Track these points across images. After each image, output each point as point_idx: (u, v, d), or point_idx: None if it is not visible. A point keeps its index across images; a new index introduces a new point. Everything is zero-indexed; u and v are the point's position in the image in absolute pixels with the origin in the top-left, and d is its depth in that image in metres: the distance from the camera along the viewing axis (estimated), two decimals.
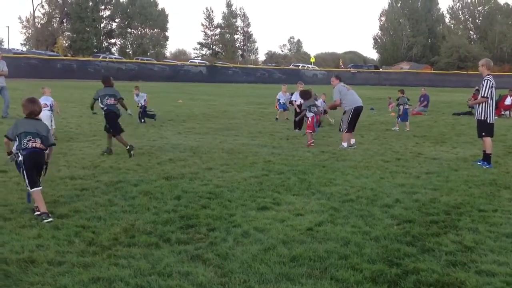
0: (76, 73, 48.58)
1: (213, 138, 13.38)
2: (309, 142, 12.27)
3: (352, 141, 12.26)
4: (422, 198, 7.36)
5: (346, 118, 12.13)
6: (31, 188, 6.19)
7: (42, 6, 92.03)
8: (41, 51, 66.85)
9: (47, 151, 6.47)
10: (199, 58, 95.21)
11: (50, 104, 12.16)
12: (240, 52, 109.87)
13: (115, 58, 64.46)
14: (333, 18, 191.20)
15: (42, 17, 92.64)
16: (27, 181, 6.20)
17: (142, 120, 16.63)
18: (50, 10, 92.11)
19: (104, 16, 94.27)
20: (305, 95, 13.35)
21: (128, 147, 10.27)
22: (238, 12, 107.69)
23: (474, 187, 8.13)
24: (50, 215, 6.04)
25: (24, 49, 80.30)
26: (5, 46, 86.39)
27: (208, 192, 7.46)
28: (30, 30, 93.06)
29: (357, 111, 12.22)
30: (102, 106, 10.49)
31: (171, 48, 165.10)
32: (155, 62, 65.81)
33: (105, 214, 6.23)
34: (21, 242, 5.19)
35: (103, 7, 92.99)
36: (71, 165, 9.20)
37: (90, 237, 5.42)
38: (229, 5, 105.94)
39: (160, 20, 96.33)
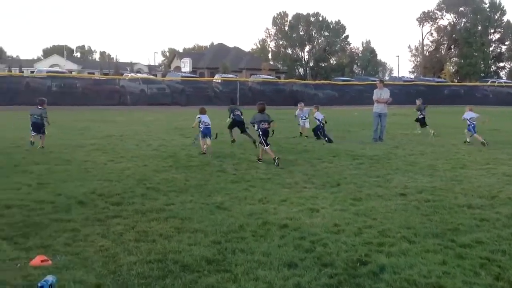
0: (463, 99, 47.86)
1: None
2: None
3: None
4: None
5: None
6: (265, 146, 12.00)
7: (431, 34, 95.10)
8: (429, 77, 68.74)
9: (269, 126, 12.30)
10: None
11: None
12: None
13: (504, 82, 61.03)
14: None
15: (430, 44, 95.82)
16: (264, 143, 12.00)
17: (321, 137, 16.74)
18: (439, 38, 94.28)
19: (493, 39, 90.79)
20: None
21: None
22: None
23: None
24: (278, 163, 11.41)
25: (412, 76, 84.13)
26: (395, 74, 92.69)
27: None
28: (418, 58, 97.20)
29: None
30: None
31: None
32: None
33: (510, 249, 5.90)
34: (427, 266, 5.35)
35: (492, 30, 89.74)
36: (468, 193, 9.06)
37: (496, 271, 5.22)
38: None
39: None
